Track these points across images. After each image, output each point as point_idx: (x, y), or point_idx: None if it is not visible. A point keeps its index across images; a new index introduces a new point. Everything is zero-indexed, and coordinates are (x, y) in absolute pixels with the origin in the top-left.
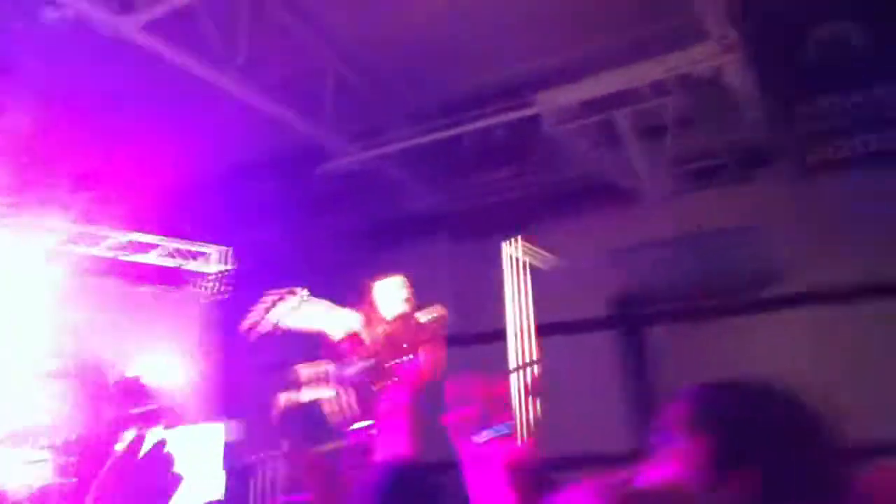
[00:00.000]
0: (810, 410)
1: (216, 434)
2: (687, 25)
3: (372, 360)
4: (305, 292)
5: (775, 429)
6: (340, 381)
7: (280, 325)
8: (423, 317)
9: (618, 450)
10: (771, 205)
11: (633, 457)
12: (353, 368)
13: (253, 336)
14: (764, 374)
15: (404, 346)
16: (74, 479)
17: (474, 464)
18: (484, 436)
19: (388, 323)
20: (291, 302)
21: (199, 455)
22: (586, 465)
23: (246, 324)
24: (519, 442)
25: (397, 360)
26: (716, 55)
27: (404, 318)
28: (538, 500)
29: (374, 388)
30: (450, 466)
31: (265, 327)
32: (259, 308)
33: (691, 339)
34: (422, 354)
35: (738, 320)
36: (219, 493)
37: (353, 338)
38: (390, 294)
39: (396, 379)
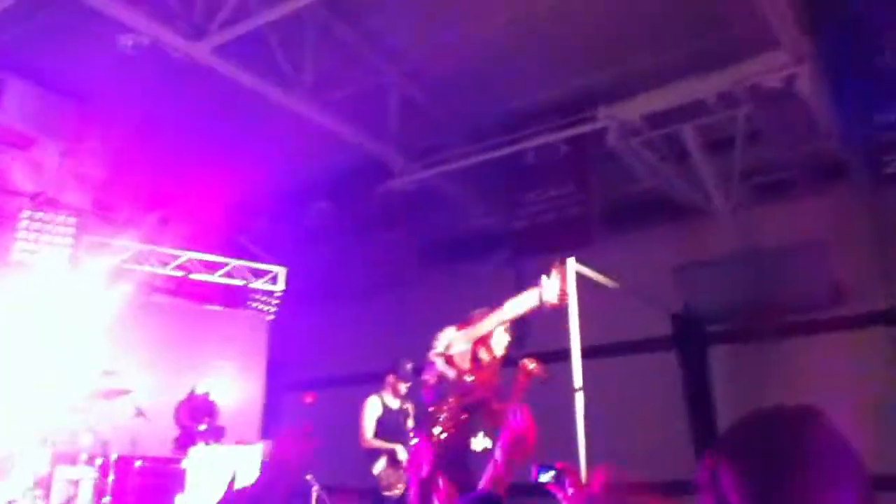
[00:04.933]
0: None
1: (255, 454)
2: (755, 34)
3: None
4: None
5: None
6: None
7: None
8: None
9: (684, 476)
10: (844, 219)
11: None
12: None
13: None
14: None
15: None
16: (109, 499)
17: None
18: (543, 477)
19: (494, 357)
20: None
21: (240, 475)
22: (651, 492)
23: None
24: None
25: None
26: (787, 64)
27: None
28: None
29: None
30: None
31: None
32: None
33: (757, 359)
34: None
35: (807, 340)
36: None
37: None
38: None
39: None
